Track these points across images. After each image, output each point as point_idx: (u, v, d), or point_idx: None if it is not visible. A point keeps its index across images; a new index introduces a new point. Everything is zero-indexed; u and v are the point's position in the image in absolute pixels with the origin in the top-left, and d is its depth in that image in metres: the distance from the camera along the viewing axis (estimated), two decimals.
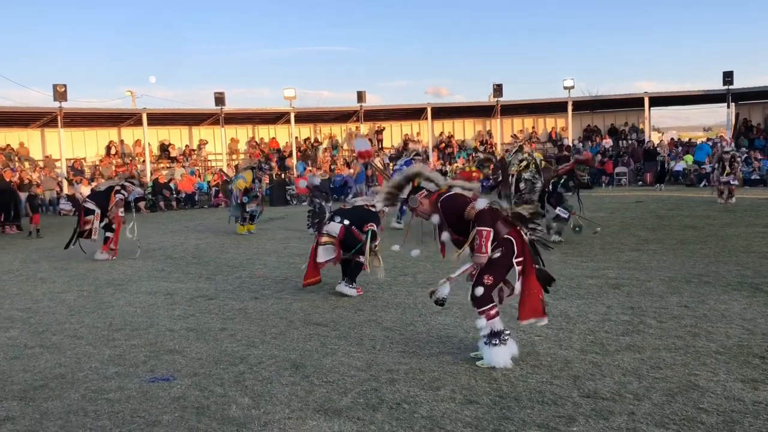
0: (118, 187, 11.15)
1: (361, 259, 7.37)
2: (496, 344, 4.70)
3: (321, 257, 7.37)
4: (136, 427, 3.95)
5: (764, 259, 8.65)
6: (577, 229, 10.90)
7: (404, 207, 5.27)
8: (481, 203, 4.80)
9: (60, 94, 23.07)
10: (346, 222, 7.38)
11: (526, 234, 4.90)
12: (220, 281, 8.57)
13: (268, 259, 10.36)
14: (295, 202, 23.14)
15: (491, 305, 4.76)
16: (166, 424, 3.99)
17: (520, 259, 4.81)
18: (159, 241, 13.15)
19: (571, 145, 27.72)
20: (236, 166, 26.05)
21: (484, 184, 12.94)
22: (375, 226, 7.40)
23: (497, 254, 4.76)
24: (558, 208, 10.88)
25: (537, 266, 4.94)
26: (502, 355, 4.69)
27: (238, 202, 13.74)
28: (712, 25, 60.75)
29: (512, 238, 4.81)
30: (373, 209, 7.55)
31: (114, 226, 11.01)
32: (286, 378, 4.70)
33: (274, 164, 26.29)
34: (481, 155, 15.21)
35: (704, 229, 11.89)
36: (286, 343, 5.59)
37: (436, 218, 5.00)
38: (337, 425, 3.87)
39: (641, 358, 4.84)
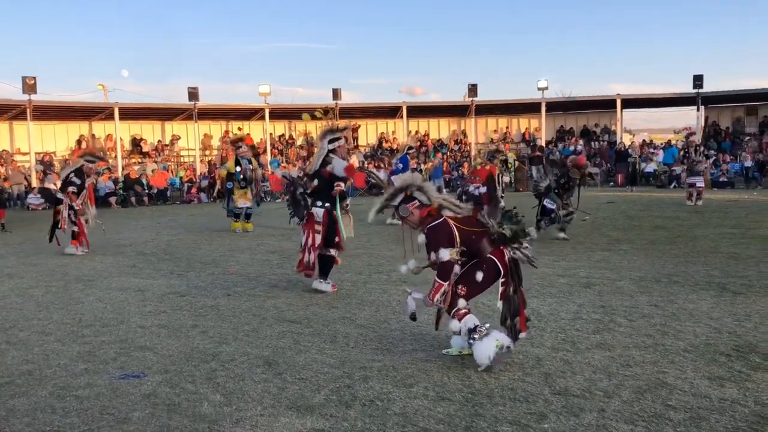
0: (72, 176, 10.88)
1: (332, 252, 7.37)
2: (475, 339, 4.67)
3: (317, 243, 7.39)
4: (105, 425, 3.90)
5: (731, 259, 8.82)
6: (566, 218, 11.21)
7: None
8: (444, 254, 4.74)
9: (29, 86, 22.68)
10: (327, 204, 7.36)
11: (511, 252, 4.85)
12: (192, 278, 8.49)
13: (241, 255, 10.29)
14: (269, 199, 23.02)
15: (457, 308, 4.77)
16: (137, 421, 3.94)
17: (504, 279, 4.80)
18: (130, 236, 12.99)
19: (543, 145, 28.01)
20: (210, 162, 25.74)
21: (475, 192, 12.84)
22: (342, 184, 7.30)
23: (479, 274, 4.76)
24: (546, 199, 11.08)
25: (512, 294, 4.85)
26: (484, 349, 4.62)
27: (225, 188, 13.41)
28: (683, 29, 61.71)
29: (495, 259, 4.79)
30: (335, 171, 7.39)
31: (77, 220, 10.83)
32: (258, 375, 4.67)
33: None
34: (492, 147, 15.02)
35: (674, 229, 12.09)
36: (258, 340, 5.56)
37: (422, 238, 4.96)
38: (310, 422, 3.86)
39: (611, 356, 4.90)
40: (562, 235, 11.02)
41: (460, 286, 4.79)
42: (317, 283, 7.38)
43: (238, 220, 13.55)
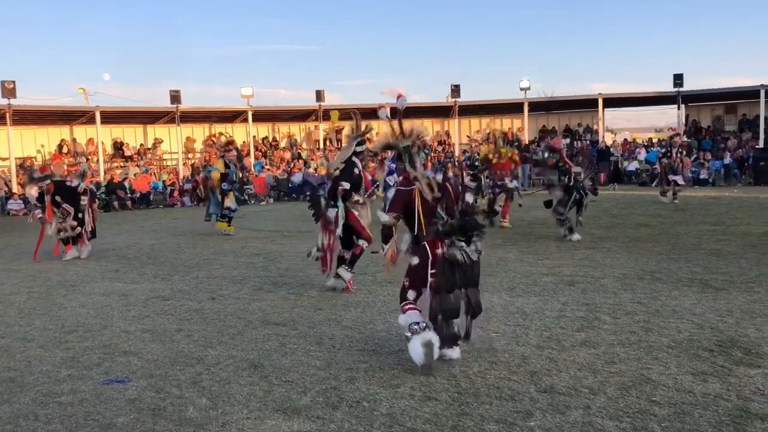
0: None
1: (361, 243, 7.50)
2: (408, 337, 4.70)
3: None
4: (89, 431, 3.86)
5: (713, 255, 8.91)
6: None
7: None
8: (384, 216, 5.14)
9: (8, 90, 22.40)
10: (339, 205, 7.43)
11: (446, 248, 4.73)
12: (176, 282, 8.44)
13: (226, 259, 10.24)
14: (252, 202, 22.94)
15: (405, 302, 4.85)
16: (121, 426, 3.91)
17: (434, 271, 4.72)
18: (113, 241, 12.88)
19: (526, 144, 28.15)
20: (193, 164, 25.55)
21: (512, 185, 12.99)
22: (347, 184, 7.34)
23: (415, 260, 4.84)
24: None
25: (443, 293, 4.70)
26: (412, 347, 4.63)
27: (220, 190, 13.35)
28: (662, 28, 62.17)
29: (428, 248, 4.75)
30: (338, 171, 7.47)
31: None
32: (244, 378, 4.65)
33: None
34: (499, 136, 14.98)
35: (656, 227, 12.20)
36: (244, 343, 5.53)
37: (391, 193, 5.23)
38: (297, 424, 3.85)
39: (596, 353, 4.94)
40: (575, 236, 10.95)
41: (406, 278, 4.89)
42: (341, 270, 7.44)
43: (224, 220, 13.47)
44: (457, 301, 4.69)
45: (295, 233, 13.29)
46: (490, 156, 13.28)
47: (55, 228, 10.63)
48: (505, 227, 12.89)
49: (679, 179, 16.83)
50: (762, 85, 25.40)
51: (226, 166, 13.56)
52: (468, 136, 30.20)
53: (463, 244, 4.66)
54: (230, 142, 15.09)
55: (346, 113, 8.14)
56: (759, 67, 65.13)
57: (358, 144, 7.52)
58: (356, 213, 7.45)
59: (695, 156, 24.15)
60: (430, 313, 4.72)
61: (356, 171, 7.47)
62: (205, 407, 4.15)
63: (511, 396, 4.17)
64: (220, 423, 3.91)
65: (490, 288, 7.29)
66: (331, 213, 7.39)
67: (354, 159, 7.49)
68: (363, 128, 7.62)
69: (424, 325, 4.70)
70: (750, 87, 26.42)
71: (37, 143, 26.25)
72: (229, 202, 13.50)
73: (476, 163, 16.39)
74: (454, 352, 4.76)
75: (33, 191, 10.71)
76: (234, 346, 5.45)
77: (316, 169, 25.63)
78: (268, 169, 26.12)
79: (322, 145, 29.27)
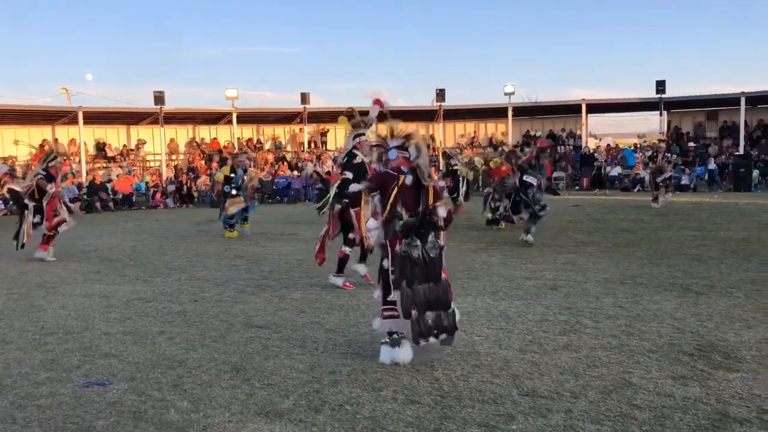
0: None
1: (346, 250, 7.69)
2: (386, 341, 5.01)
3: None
4: None
5: (694, 260, 9.00)
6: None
7: None
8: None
9: None
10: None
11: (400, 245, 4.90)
12: (158, 284, 8.37)
13: (209, 261, 10.18)
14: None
15: (383, 306, 5.08)
16: (101, 429, 3.87)
17: (392, 268, 4.91)
18: (94, 242, 12.77)
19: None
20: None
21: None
22: (349, 174, 7.52)
23: (385, 262, 5.02)
24: (526, 174, 11.15)
25: (405, 288, 4.85)
26: (384, 355, 4.96)
27: (222, 191, 13.26)
28: (645, 34, 62.75)
29: (389, 245, 4.97)
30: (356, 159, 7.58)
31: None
32: (226, 381, 4.63)
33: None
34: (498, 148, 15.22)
35: (638, 232, 12.30)
36: (226, 346, 5.50)
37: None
38: (279, 428, 3.83)
39: (578, 357, 4.97)
40: (527, 237, 10.90)
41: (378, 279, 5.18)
42: (332, 278, 7.71)
43: (233, 230, 13.35)
44: (424, 294, 4.84)
45: (279, 236, 13.25)
46: (491, 165, 13.58)
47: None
48: (503, 229, 13.08)
49: (666, 175, 17.06)
50: (743, 92, 25.75)
51: (233, 170, 13.46)
52: (457, 142, 30.29)
53: (419, 242, 4.86)
54: (242, 153, 15.10)
55: (332, 116, 8.36)
56: (740, 74, 66.06)
57: (355, 137, 7.69)
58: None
59: (678, 161, 24.40)
60: (402, 311, 4.81)
61: (356, 161, 7.56)
62: (187, 410, 4.12)
63: (494, 399, 4.18)
64: (202, 426, 3.88)
65: (473, 291, 7.33)
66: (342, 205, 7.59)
67: (355, 151, 7.61)
68: (361, 122, 7.78)
69: (399, 337, 4.88)
70: (731, 94, 26.76)
71: (19, 143, 25.94)
72: (234, 208, 13.34)
73: (454, 167, 16.34)
74: (402, 354, 4.86)
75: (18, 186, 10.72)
76: (216, 349, 5.42)
77: (301, 169, 25.63)
78: (253, 170, 25.98)
79: (306, 147, 29.25)
